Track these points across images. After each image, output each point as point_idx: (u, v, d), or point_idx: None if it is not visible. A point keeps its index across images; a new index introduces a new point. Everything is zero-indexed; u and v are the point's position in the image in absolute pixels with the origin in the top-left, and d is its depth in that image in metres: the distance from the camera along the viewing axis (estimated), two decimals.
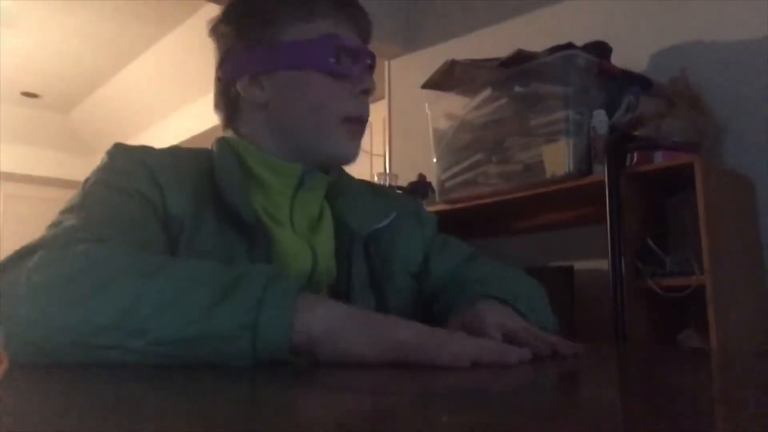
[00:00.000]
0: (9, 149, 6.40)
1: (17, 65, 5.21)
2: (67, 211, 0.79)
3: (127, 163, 0.86)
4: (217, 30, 0.98)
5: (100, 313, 0.61)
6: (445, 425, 0.31)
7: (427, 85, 2.49)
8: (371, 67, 0.97)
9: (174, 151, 0.93)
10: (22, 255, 0.68)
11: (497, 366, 0.60)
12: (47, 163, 6.77)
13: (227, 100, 0.97)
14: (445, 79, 2.42)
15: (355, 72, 0.93)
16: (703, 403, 0.46)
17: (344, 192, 0.99)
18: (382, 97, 3.55)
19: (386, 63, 3.43)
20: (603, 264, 1.96)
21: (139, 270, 0.65)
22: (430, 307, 0.97)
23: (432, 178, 2.61)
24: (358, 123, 0.94)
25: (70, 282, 0.64)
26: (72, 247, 0.68)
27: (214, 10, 1.15)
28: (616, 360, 0.75)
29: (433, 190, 2.60)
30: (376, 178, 2.91)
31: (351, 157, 0.95)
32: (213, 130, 3.94)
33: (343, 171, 1.03)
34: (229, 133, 0.97)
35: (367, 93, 0.94)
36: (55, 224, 0.76)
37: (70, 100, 6.12)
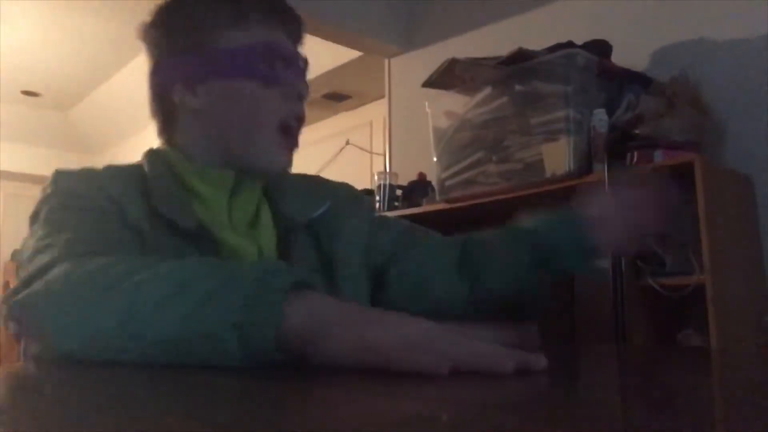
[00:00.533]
0: (9, 148, 6.40)
1: (17, 64, 5.21)
2: (40, 242, 0.78)
3: (76, 185, 0.87)
4: (147, 34, 0.98)
5: (105, 319, 0.64)
6: (444, 424, 0.31)
7: (427, 84, 2.49)
8: (304, 71, 0.98)
9: (109, 170, 0.94)
10: (28, 282, 0.71)
11: (487, 374, 0.53)
12: (47, 161, 6.77)
13: (162, 108, 0.97)
14: (445, 78, 2.42)
15: (288, 77, 0.93)
16: (703, 403, 0.46)
17: (280, 187, 1.01)
18: (383, 96, 3.55)
19: (386, 62, 3.43)
20: (603, 263, 1.96)
21: (135, 274, 0.65)
22: (390, 285, 1.01)
23: (432, 177, 2.61)
24: (289, 134, 0.94)
25: (75, 295, 0.66)
26: (78, 263, 0.70)
27: None
28: (617, 360, 0.76)
29: (433, 189, 2.60)
30: (376, 177, 2.91)
31: (282, 167, 0.96)
32: None
33: None
34: (162, 143, 0.99)
35: (300, 98, 0.95)
36: (32, 257, 0.76)
37: (70, 99, 6.12)
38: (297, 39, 0.98)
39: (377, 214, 1.13)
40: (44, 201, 0.86)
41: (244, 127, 0.92)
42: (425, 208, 2.58)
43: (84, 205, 0.84)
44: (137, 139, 6.06)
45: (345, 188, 1.11)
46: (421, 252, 1.04)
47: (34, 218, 0.85)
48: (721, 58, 2.18)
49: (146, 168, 0.94)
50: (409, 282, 1.02)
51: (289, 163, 0.96)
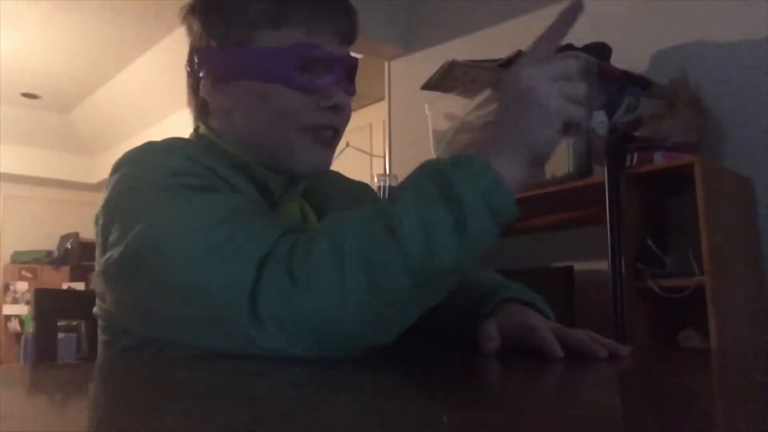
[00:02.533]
0: (9, 150, 6.40)
1: (17, 66, 5.21)
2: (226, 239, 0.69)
3: (181, 161, 0.77)
4: (186, 19, 0.91)
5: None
6: (445, 425, 0.31)
7: (426, 86, 2.49)
8: (350, 75, 0.89)
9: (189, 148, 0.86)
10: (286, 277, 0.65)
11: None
12: (47, 163, 6.77)
13: (197, 97, 0.91)
14: (444, 80, 2.42)
15: (323, 85, 0.85)
16: (704, 403, 0.46)
17: (319, 187, 0.98)
18: (382, 98, 3.55)
19: (386, 64, 3.43)
20: (603, 265, 1.96)
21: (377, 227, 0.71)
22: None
23: None
24: (325, 130, 0.87)
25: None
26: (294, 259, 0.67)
27: None
28: (618, 361, 0.75)
29: None
30: (375, 179, 2.90)
31: (319, 167, 0.89)
32: None
33: None
34: (203, 129, 0.92)
35: (337, 109, 0.86)
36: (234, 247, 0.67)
37: (70, 101, 6.12)
38: (347, 38, 0.90)
39: None
40: (158, 179, 0.75)
41: (270, 129, 0.86)
42: None
43: (208, 183, 0.75)
44: (137, 141, 6.05)
45: (364, 188, 1.12)
46: None
47: (138, 194, 0.75)
48: (721, 60, 2.18)
49: (205, 142, 0.89)
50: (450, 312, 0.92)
51: (329, 162, 0.90)
